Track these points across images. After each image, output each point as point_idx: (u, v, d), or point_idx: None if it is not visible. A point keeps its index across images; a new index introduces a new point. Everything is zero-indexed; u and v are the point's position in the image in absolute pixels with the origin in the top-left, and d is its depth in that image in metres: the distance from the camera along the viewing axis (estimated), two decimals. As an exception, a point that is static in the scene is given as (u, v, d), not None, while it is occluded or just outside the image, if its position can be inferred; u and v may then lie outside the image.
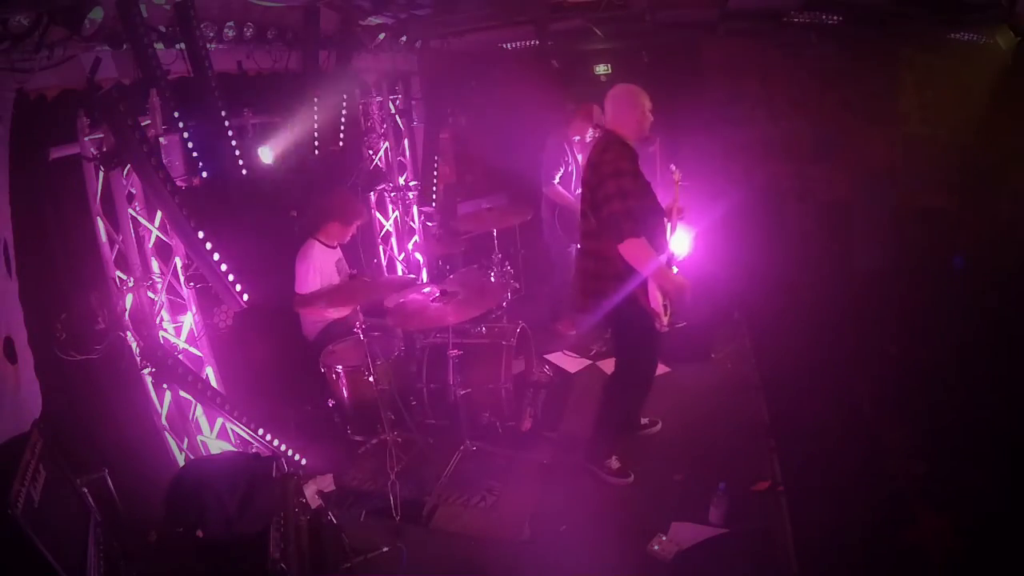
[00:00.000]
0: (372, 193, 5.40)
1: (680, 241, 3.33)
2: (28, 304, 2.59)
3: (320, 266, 4.01)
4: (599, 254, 3.04)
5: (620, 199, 2.87)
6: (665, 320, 3.12)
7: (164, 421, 3.08)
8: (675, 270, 3.22)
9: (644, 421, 3.83)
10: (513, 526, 3.21)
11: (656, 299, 3.04)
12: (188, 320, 3.23)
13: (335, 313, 3.98)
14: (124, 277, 2.91)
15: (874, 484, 3.33)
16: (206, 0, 3.13)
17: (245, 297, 3.02)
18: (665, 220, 3.23)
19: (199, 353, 3.28)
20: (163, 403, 3.06)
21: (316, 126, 4.32)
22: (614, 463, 3.45)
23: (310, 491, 3.13)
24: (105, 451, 2.82)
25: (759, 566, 2.79)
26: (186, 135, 3.13)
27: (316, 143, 4.37)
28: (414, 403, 3.89)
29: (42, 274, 2.72)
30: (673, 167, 3.39)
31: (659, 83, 6.61)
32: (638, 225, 2.88)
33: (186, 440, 3.11)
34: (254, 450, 3.21)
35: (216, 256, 2.89)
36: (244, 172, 3.54)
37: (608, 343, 4.33)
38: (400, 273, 5.76)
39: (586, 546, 3.00)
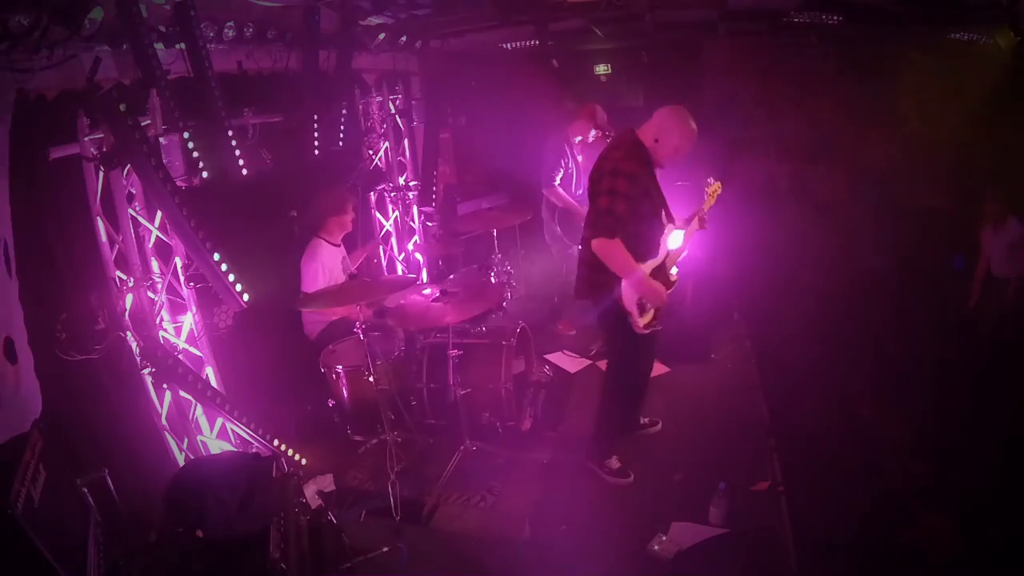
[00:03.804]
0: (372, 193, 5.40)
1: (678, 242, 3.30)
2: (28, 304, 2.59)
3: (327, 264, 4.03)
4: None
5: (608, 197, 2.88)
6: (641, 322, 3.09)
7: (164, 421, 3.08)
8: (675, 271, 3.22)
9: (644, 421, 3.83)
10: (513, 526, 3.21)
11: (630, 299, 3.03)
12: (188, 320, 3.23)
13: (337, 313, 3.98)
14: (124, 277, 2.90)
15: (874, 484, 3.33)
16: (206, 0, 3.13)
17: (245, 297, 3.02)
18: (670, 226, 3.17)
19: (199, 353, 3.28)
20: (163, 403, 3.06)
21: (316, 126, 4.33)
22: (614, 463, 3.45)
23: (310, 491, 3.14)
24: (105, 451, 2.83)
25: (759, 566, 2.80)
26: (186, 135, 3.14)
27: (316, 143, 4.37)
28: (414, 403, 3.89)
29: (42, 274, 2.72)
30: (711, 180, 3.28)
31: (659, 83, 6.67)
32: (617, 226, 2.87)
33: (186, 440, 3.11)
34: (254, 450, 3.21)
35: (216, 256, 2.89)
36: (244, 172, 3.54)
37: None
38: (400, 273, 5.76)
39: (586, 546, 3.00)
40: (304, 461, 3.43)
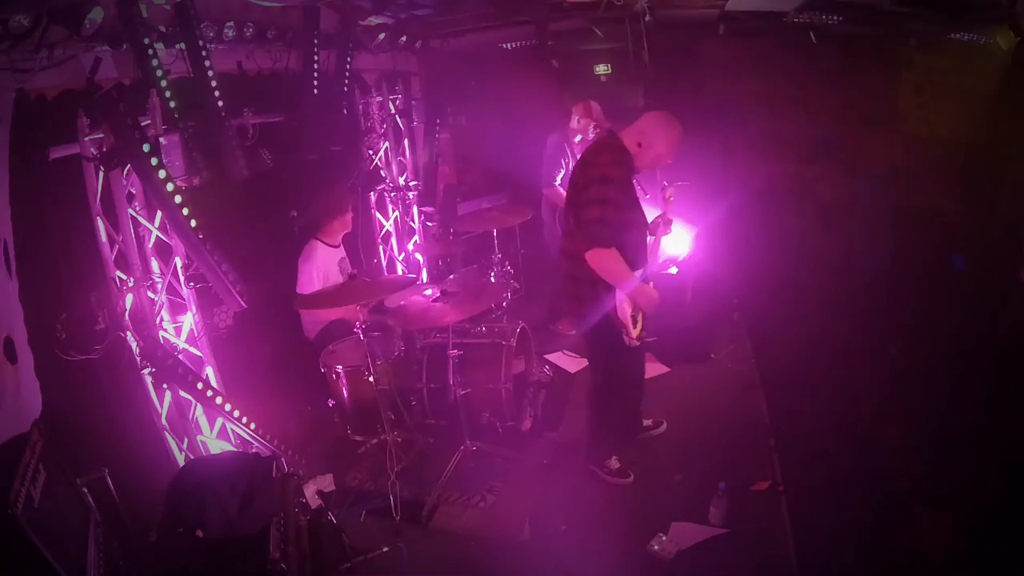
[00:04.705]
0: (372, 193, 5.40)
1: (678, 242, 3.30)
2: (28, 304, 2.59)
3: (322, 266, 4.03)
4: (578, 256, 2.91)
5: (600, 206, 2.78)
6: (634, 333, 3.03)
7: (164, 421, 3.08)
8: (674, 270, 3.20)
9: (647, 423, 3.81)
10: (513, 526, 3.21)
11: (624, 311, 2.96)
12: (188, 320, 3.23)
13: (336, 313, 3.98)
14: (124, 277, 2.90)
15: (874, 484, 3.33)
16: (206, 0, 3.13)
17: (245, 297, 3.02)
18: (649, 234, 3.13)
19: (199, 353, 3.28)
20: (163, 403, 3.06)
21: (316, 126, 4.32)
22: (614, 463, 3.45)
23: (310, 491, 3.14)
24: (105, 451, 2.82)
25: (759, 566, 2.80)
26: (186, 135, 3.13)
27: (316, 142, 4.37)
28: (414, 403, 3.89)
29: (42, 274, 2.72)
30: (666, 183, 3.26)
31: (659, 83, 6.66)
32: (611, 236, 2.79)
33: (186, 440, 3.11)
34: (254, 450, 3.21)
35: (216, 256, 2.89)
36: (244, 172, 3.54)
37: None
38: (400, 273, 5.76)
39: (586, 546, 3.00)
40: (304, 461, 3.43)
